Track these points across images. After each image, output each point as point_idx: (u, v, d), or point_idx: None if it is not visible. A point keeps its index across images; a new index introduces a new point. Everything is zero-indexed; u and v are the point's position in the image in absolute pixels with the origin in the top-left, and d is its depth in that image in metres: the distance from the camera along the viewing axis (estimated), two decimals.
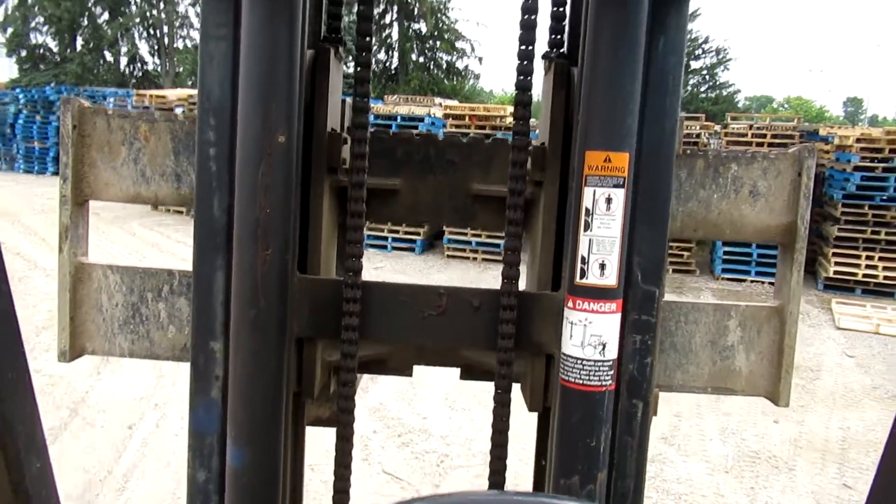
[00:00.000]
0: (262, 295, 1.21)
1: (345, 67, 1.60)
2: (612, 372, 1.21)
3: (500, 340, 1.33)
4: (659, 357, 1.36)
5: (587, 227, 1.18)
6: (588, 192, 1.17)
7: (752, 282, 10.73)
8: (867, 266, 10.11)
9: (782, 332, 1.42)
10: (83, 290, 1.43)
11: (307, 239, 1.39)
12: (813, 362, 7.21)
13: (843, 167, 10.42)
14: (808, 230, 1.41)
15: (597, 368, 1.20)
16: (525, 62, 1.31)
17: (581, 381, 1.20)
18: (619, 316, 1.21)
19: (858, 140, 10.38)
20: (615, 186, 1.16)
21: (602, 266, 1.18)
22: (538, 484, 1.55)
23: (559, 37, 1.43)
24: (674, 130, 1.22)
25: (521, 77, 1.31)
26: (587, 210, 1.18)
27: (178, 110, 14.00)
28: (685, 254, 11.30)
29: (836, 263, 10.24)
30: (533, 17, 1.29)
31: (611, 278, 1.18)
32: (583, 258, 1.19)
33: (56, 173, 19.58)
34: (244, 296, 1.22)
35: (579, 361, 1.20)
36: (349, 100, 1.46)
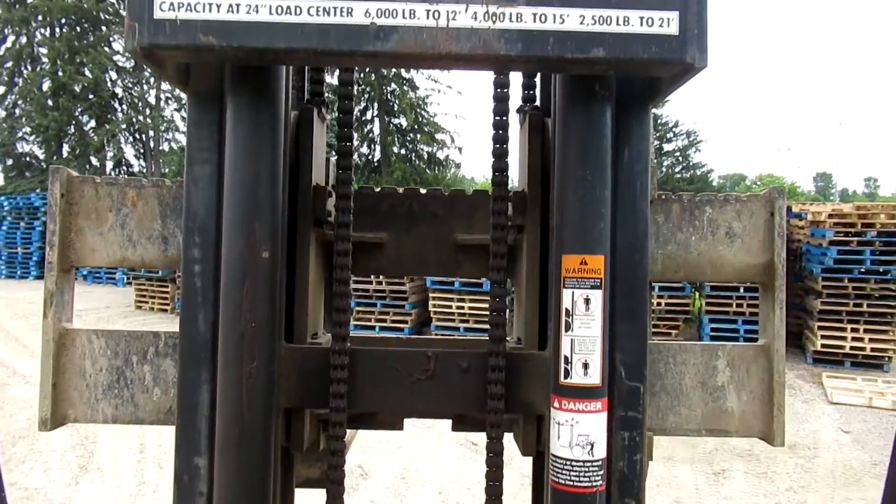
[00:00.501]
0: (248, 410, 1.21)
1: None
2: (601, 472, 1.20)
3: (490, 402, 1.33)
4: (650, 401, 1.35)
5: (568, 327, 1.20)
6: (567, 294, 1.20)
7: None
8: (853, 338, 10.17)
9: (770, 370, 1.44)
10: (66, 357, 1.42)
11: (293, 294, 1.40)
12: (810, 439, 7.12)
13: (819, 241, 10.66)
14: (785, 269, 1.44)
15: (586, 469, 1.19)
16: (500, 117, 1.39)
17: (571, 483, 1.19)
18: (605, 414, 1.22)
19: (831, 215, 10.68)
20: (592, 288, 1.19)
21: (585, 365, 1.19)
22: None
23: (531, 92, 1.53)
24: (646, 232, 1.27)
25: (498, 131, 1.38)
26: (567, 311, 1.20)
27: None
28: (672, 332, 11.33)
29: (823, 337, 10.30)
30: (506, 89, 1.39)
31: (594, 377, 1.20)
32: (566, 358, 1.20)
33: (39, 277, 19.50)
34: (229, 413, 1.22)
35: (568, 463, 1.19)
36: (333, 159, 1.52)
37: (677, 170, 38.24)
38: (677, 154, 38.05)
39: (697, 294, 12.06)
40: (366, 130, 31.71)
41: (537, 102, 1.53)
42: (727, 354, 1.45)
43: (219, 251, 1.25)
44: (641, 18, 1.05)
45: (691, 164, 38.28)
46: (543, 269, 1.40)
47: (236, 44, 1.04)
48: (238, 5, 1.04)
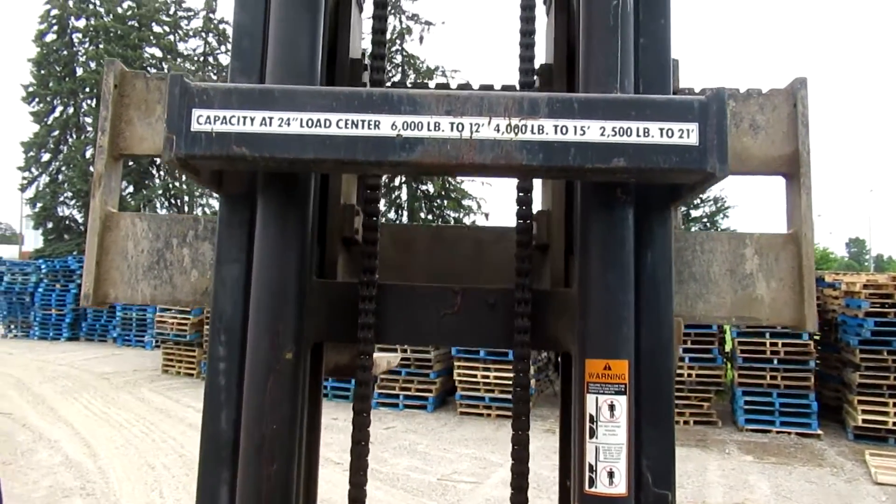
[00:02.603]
0: None
1: None
2: None
3: (517, 335, 1.37)
4: (678, 288, 1.35)
5: (592, 434, 1.18)
6: (591, 400, 1.18)
7: (777, 432, 10.32)
8: None
9: (800, 256, 1.41)
10: (110, 238, 1.46)
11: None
12: None
13: (855, 313, 10.38)
14: (810, 157, 1.42)
15: None
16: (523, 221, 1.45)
17: None
18: None
19: (865, 286, 10.43)
20: (617, 393, 1.17)
21: (610, 474, 1.16)
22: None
23: None
24: (671, 336, 1.26)
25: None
26: (591, 417, 1.18)
27: None
28: (705, 404, 10.99)
29: (864, 412, 9.90)
30: (528, 195, 1.43)
31: (620, 486, 1.16)
32: (590, 466, 1.17)
33: (71, 339, 19.82)
34: None
35: None
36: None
37: None
38: (705, 220, 37.83)
39: (729, 365, 11.75)
40: (393, 196, 32.24)
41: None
42: (755, 243, 1.44)
43: (244, 350, 1.27)
44: (661, 130, 1.07)
45: (719, 230, 37.98)
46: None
47: (268, 154, 1.09)
48: (271, 119, 1.09)
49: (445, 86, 1.59)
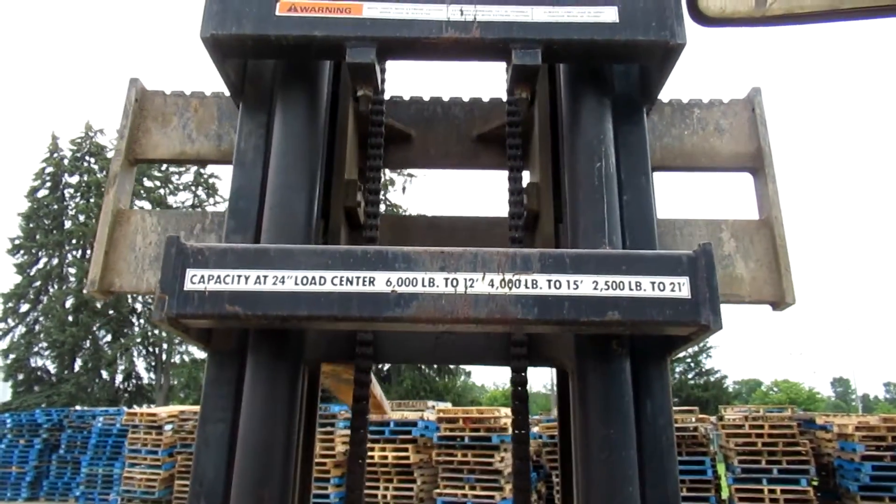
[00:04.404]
0: None
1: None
2: None
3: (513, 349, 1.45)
4: None
5: None
6: None
7: None
8: None
9: (773, 237, 1.48)
10: (120, 232, 1.50)
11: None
12: None
13: (851, 456, 10.13)
14: (772, 152, 1.57)
15: None
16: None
17: None
18: None
19: (858, 428, 10.25)
20: None
21: None
22: None
23: None
24: (676, 492, 1.21)
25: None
26: None
27: (168, 427, 13.83)
28: None
29: None
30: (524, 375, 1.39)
31: None
32: None
33: (30, 499, 18.50)
34: None
35: None
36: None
37: (690, 375, 37.70)
38: (689, 360, 37.76)
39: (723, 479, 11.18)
40: None
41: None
42: (730, 227, 1.53)
43: None
44: (653, 283, 1.09)
45: (703, 370, 37.82)
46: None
47: (261, 312, 1.08)
48: (265, 277, 1.09)
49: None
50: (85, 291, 1.62)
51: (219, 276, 1.09)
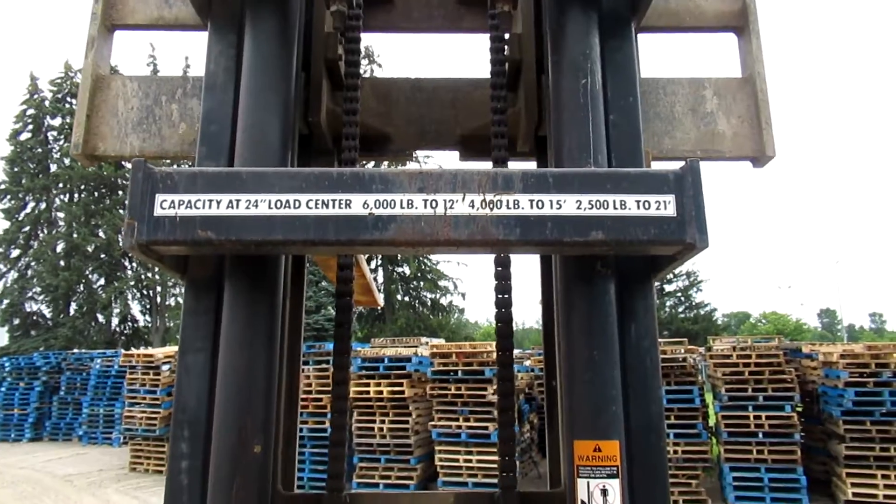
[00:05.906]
0: None
1: None
2: None
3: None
4: (645, 126, 1.40)
5: None
6: (582, 485, 1.11)
7: None
8: (885, 486, 9.59)
9: (755, 94, 1.49)
10: (101, 97, 1.50)
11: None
12: None
13: (835, 383, 10.38)
14: (757, 10, 1.53)
15: None
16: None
17: None
18: None
19: (842, 356, 10.46)
20: (609, 476, 1.11)
21: None
22: None
23: None
24: (661, 413, 1.21)
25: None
26: (583, 503, 1.11)
27: (165, 367, 14.00)
28: (693, 482, 10.70)
29: (853, 485, 9.72)
30: (507, 282, 1.37)
31: None
32: None
33: (33, 440, 18.91)
34: None
35: None
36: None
37: (680, 310, 38.25)
38: (679, 294, 38.25)
39: (714, 440, 11.55)
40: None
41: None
42: (713, 85, 1.53)
43: (208, 446, 1.18)
44: (638, 202, 1.06)
45: (694, 303, 38.37)
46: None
47: (234, 237, 1.05)
48: (238, 201, 1.06)
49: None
50: (70, 154, 1.61)
51: (189, 201, 1.05)
